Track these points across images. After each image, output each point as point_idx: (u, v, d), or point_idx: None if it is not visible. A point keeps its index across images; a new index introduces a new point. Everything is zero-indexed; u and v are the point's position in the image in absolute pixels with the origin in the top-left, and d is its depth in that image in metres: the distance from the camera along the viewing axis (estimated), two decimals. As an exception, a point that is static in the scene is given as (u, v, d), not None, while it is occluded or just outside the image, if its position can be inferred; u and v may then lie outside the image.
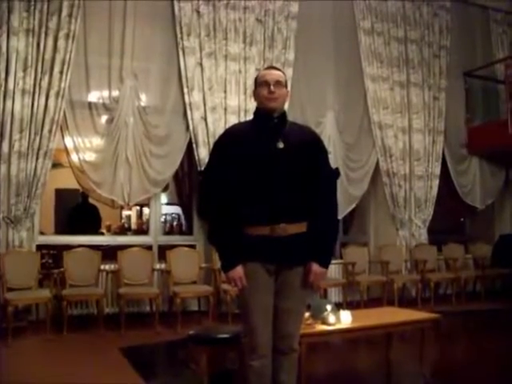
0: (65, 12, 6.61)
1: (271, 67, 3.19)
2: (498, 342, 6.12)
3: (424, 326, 4.68)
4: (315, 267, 2.92)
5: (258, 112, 3.05)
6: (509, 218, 10.09)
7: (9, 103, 6.36)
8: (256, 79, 3.05)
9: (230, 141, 2.98)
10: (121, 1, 7.04)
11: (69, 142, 6.85)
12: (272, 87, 2.92)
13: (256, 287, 2.88)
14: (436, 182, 9.13)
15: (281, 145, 2.89)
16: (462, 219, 10.77)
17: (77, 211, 9.31)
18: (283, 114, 3.02)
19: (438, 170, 9.17)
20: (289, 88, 3.29)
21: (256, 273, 2.88)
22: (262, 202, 2.85)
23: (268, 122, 2.97)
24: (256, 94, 3.02)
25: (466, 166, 9.62)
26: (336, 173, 3.14)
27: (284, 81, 3.02)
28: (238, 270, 2.86)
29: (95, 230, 8.97)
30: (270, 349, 2.92)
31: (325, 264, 2.97)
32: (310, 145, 3.02)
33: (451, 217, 10.70)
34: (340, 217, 8.31)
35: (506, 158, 9.65)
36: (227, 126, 7.15)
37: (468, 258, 9.38)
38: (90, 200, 8.81)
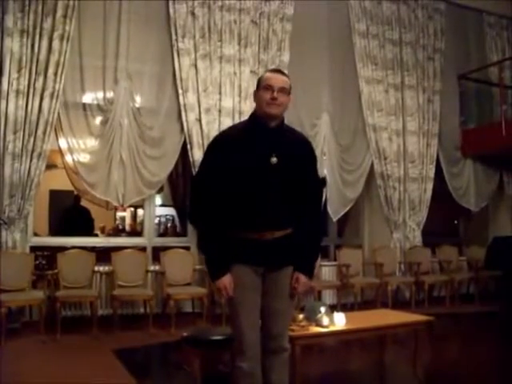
0: (59, 13, 6.60)
1: (277, 71, 3.03)
2: (491, 344, 6.15)
3: (418, 328, 4.69)
4: (302, 278, 2.95)
5: (255, 117, 2.96)
6: (502, 221, 10.11)
7: (3, 104, 6.34)
8: (259, 81, 2.95)
9: (222, 149, 2.90)
10: (116, 2, 7.03)
11: (63, 143, 6.84)
12: (275, 93, 2.84)
13: (243, 289, 2.88)
14: (430, 185, 9.15)
15: (274, 160, 2.83)
16: (456, 221, 10.80)
17: (68, 214, 9.29)
18: (281, 123, 2.95)
19: (432, 173, 9.20)
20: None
21: (243, 274, 2.88)
22: (250, 211, 2.84)
23: (264, 133, 2.90)
24: (257, 97, 2.94)
25: (460, 168, 9.65)
26: (323, 182, 3.15)
27: (288, 87, 2.92)
28: (224, 280, 2.85)
29: (88, 232, 8.94)
30: (258, 350, 2.91)
31: (311, 275, 3.02)
32: (303, 156, 2.99)
33: (445, 219, 10.73)
34: (335, 219, 8.36)
35: (499, 160, 9.68)
36: (222, 128, 7.27)
37: (462, 260, 9.41)
38: (83, 202, 8.80)
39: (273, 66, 7.65)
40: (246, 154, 2.84)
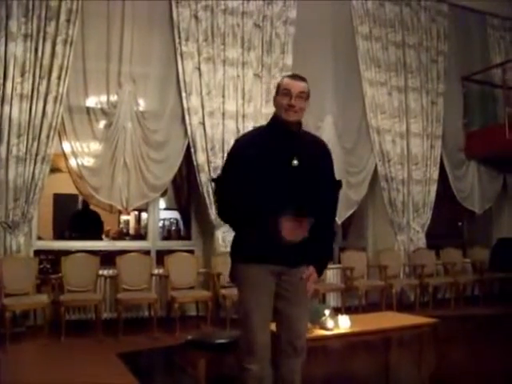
0: (63, 17, 6.62)
1: (295, 76, 3.01)
2: (496, 346, 6.12)
3: (422, 330, 4.70)
4: (311, 269, 2.94)
5: (275, 121, 2.99)
6: (506, 222, 10.11)
7: (7, 108, 6.36)
8: (278, 86, 2.97)
9: (244, 151, 2.93)
10: (119, 6, 7.05)
11: (67, 147, 6.84)
12: (293, 100, 2.87)
13: (256, 289, 2.89)
14: (434, 187, 9.14)
15: (295, 162, 2.87)
16: (460, 223, 10.78)
17: (79, 217, 9.27)
18: (300, 126, 2.99)
19: (436, 175, 9.18)
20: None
21: (257, 274, 2.88)
22: (271, 212, 2.82)
23: (285, 136, 2.93)
24: (276, 102, 2.96)
25: (463, 170, 9.64)
26: (339, 185, 3.17)
27: (307, 92, 2.94)
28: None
29: (98, 236, 8.91)
30: (269, 351, 2.91)
31: (321, 272, 3.01)
32: (322, 160, 3.03)
33: (449, 221, 10.71)
34: (339, 221, 8.33)
35: (503, 162, 9.66)
36: (225, 131, 7.30)
37: (466, 262, 9.39)
38: (92, 206, 8.80)
39: (276, 70, 7.70)
40: (268, 157, 2.88)
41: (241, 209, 2.89)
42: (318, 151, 3.04)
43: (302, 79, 2.98)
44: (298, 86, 2.91)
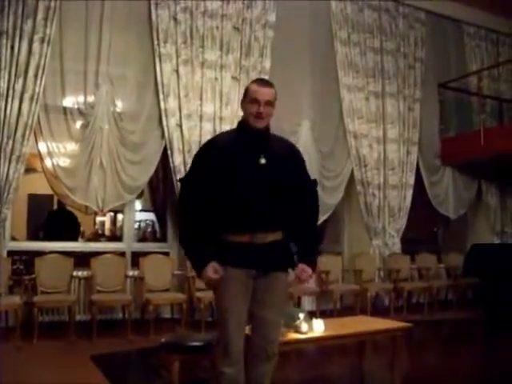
0: (40, 15, 6.53)
1: (263, 83, 3.02)
2: (468, 350, 6.19)
3: (396, 334, 4.71)
4: (304, 266, 2.98)
5: (243, 124, 3.04)
6: (481, 228, 10.23)
7: (-19, 106, 6.28)
8: (246, 91, 3.00)
9: (213, 152, 2.98)
10: (98, 6, 6.99)
11: (42, 146, 6.77)
12: (261, 108, 2.91)
13: (235, 293, 2.90)
14: (410, 192, 9.21)
15: (262, 160, 2.92)
16: (435, 229, 10.88)
17: (55, 218, 9.15)
18: (267, 128, 3.02)
19: (411, 180, 9.26)
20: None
21: (235, 278, 2.89)
22: (242, 213, 2.88)
23: (252, 135, 2.98)
24: (244, 108, 3.00)
25: (439, 176, 9.74)
26: (314, 183, 3.25)
27: (274, 98, 2.99)
28: (207, 271, 2.86)
29: (74, 237, 8.80)
30: (242, 355, 2.94)
31: (313, 265, 3.04)
32: (290, 158, 3.08)
33: (425, 227, 10.80)
34: (314, 225, 8.32)
35: (478, 169, 9.78)
36: (203, 133, 7.27)
37: (440, 267, 9.48)
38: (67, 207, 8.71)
39: (254, 73, 7.69)
40: (237, 157, 2.92)
41: (199, 218, 2.92)
42: (285, 150, 3.09)
43: (270, 85, 3.01)
44: (265, 94, 2.94)
